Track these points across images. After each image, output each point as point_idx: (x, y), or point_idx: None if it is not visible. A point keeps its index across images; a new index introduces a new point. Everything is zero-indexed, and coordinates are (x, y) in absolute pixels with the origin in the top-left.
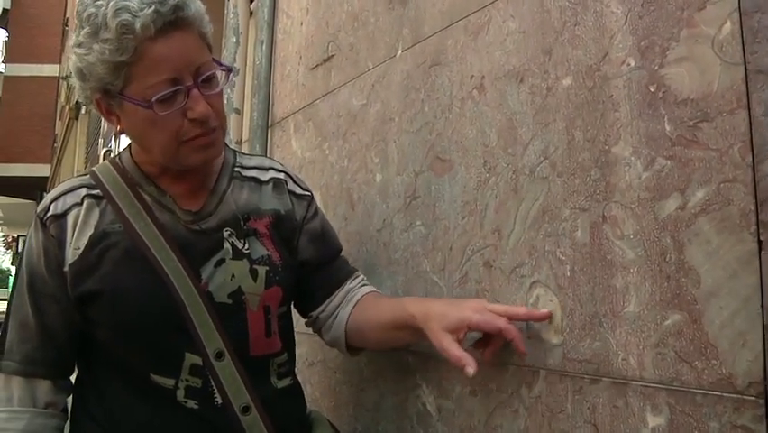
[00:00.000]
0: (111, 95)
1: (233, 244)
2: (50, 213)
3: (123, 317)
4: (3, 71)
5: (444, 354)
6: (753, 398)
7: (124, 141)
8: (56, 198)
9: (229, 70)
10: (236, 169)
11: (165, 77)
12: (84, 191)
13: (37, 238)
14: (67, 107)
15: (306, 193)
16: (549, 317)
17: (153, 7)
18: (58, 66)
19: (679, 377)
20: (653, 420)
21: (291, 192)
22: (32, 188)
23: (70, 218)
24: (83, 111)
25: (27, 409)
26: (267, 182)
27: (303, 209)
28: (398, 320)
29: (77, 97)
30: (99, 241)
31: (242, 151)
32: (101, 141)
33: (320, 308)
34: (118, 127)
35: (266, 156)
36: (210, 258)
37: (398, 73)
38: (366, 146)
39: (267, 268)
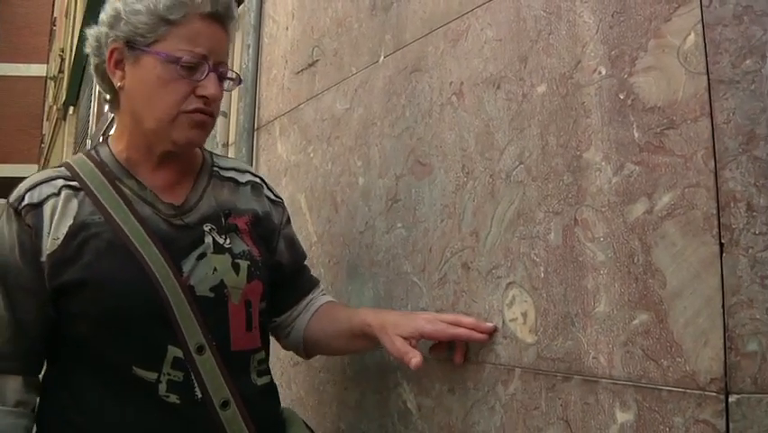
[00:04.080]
0: (133, 47)
1: (214, 239)
2: (25, 202)
3: (106, 307)
4: None
5: (396, 353)
6: (714, 394)
7: None
8: (31, 188)
9: (239, 81)
10: (214, 168)
11: (198, 49)
12: (61, 182)
13: (10, 228)
14: (54, 107)
15: (280, 200)
16: (494, 331)
17: None
18: (45, 66)
19: (646, 374)
20: (621, 416)
21: (267, 197)
22: None
23: (47, 208)
24: (71, 111)
25: None
26: (245, 184)
27: (279, 215)
28: (355, 329)
29: (87, 48)
30: (79, 231)
31: (229, 154)
32: (89, 141)
33: (284, 316)
34: (119, 84)
35: (241, 161)
36: (191, 252)
37: (381, 78)
38: (349, 150)
39: (248, 262)
